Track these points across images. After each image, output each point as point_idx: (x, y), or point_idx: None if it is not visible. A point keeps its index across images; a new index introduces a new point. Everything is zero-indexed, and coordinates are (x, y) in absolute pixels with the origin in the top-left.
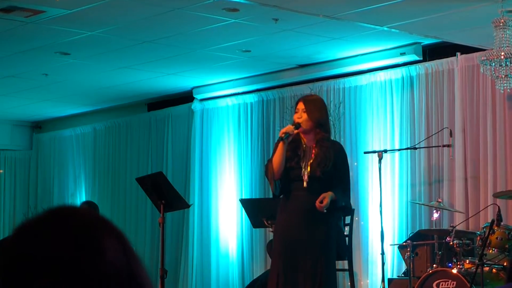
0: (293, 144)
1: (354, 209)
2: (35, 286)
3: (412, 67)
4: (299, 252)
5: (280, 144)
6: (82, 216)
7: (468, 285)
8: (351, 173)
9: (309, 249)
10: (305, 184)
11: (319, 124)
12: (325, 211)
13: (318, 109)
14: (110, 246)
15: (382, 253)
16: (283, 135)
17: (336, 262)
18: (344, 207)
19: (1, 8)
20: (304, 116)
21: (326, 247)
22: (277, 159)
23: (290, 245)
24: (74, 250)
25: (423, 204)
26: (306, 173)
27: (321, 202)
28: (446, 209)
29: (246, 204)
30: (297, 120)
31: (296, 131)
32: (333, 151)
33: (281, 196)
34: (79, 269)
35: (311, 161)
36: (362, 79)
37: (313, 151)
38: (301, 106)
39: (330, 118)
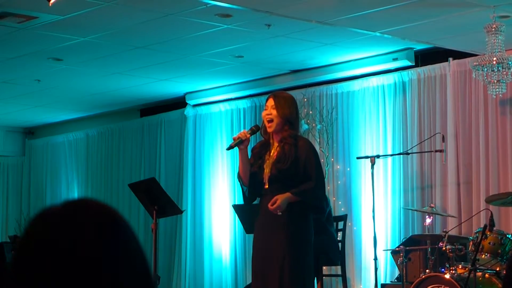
0: (260, 148)
1: (330, 210)
2: (54, 271)
3: (405, 72)
4: (266, 257)
5: (239, 152)
6: (99, 206)
7: None
8: (344, 179)
9: (274, 254)
10: (266, 185)
11: (288, 121)
12: (280, 213)
13: (287, 106)
14: (127, 234)
15: (375, 259)
16: (234, 142)
17: (329, 267)
18: (314, 206)
19: None
20: (274, 112)
21: (290, 250)
22: (240, 166)
23: (258, 250)
24: (94, 237)
25: (416, 210)
26: (266, 174)
27: (274, 204)
28: (439, 214)
29: (239, 209)
30: (267, 117)
31: (249, 136)
32: (295, 148)
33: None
34: (100, 255)
35: (272, 160)
36: (355, 85)
37: (276, 151)
38: (270, 102)
39: (301, 118)
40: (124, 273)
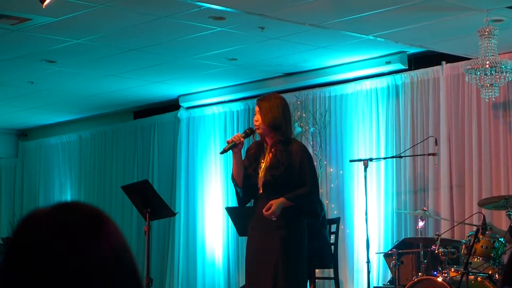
0: (255, 150)
1: (324, 213)
2: (42, 272)
3: (398, 75)
4: (259, 260)
5: (232, 155)
6: (88, 208)
7: None
8: (336, 181)
9: (267, 256)
10: (260, 190)
11: (272, 127)
12: (274, 218)
13: (271, 111)
14: (116, 237)
15: (368, 262)
16: (227, 146)
17: (322, 270)
18: (308, 211)
19: None
20: (260, 119)
21: (283, 253)
22: (233, 169)
23: (252, 253)
24: (83, 239)
25: (409, 213)
26: (260, 179)
27: (268, 210)
28: (432, 217)
29: (232, 212)
30: (255, 124)
31: (243, 139)
32: (287, 154)
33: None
34: (90, 257)
35: (266, 166)
36: (348, 88)
37: (269, 156)
38: (256, 108)
39: (293, 120)
40: (113, 275)
